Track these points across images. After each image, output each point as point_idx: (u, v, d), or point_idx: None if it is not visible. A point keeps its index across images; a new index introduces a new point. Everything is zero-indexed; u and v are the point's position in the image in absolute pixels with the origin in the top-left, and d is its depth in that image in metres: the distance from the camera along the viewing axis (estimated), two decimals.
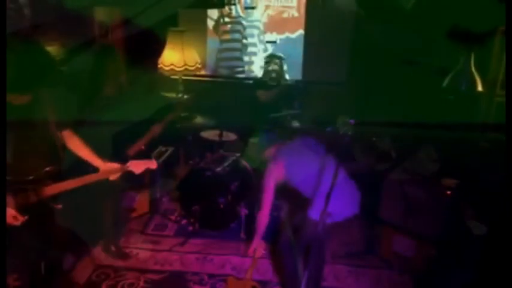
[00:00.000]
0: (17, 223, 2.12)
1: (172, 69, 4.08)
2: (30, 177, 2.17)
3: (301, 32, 5.19)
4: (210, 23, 5.29)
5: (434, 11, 3.83)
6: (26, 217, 2.15)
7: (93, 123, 2.73)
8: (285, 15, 5.20)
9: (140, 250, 3.43)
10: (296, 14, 5.17)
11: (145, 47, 4.47)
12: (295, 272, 2.71)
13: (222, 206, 3.63)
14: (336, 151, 2.66)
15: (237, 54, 5.33)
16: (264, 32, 5.26)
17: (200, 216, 3.67)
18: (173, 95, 4.17)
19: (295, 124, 4.38)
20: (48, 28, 3.36)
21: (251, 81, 5.06)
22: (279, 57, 4.61)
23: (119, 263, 3.23)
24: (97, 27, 4.23)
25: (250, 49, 5.33)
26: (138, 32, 4.33)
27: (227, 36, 5.28)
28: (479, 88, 3.39)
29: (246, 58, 5.35)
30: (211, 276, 3.15)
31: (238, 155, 4.02)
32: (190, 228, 3.70)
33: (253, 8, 5.18)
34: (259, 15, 5.22)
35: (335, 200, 2.20)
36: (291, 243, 2.74)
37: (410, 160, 3.36)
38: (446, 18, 3.60)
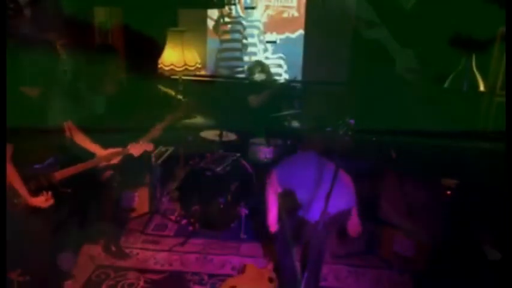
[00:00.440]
0: (49, 203, 2.31)
1: (172, 69, 4.08)
2: (40, 164, 2.35)
3: (301, 32, 5.19)
4: (210, 23, 5.29)
5: (434, 11, 3.83)
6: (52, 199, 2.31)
7: (92, 122, 2.76)
8: (285, 15, 5.20)
9: (140, 250, 3.43)
10: (296, 14, 5.17)
11: (145, 47, 4.47)
12: (294, 273, 2.71)
13: (222, 206, 3.63)
14: (336, 151, 2.65)
15: (237, 54, 5.33)
16: (264, 32, 5.26)
17: (200, 216, 3.67)
18: (173, 95, 4.17)
19: (295, 124, 4.39)
20: (48, 28, 3.36)
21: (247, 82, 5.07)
22: (262, 64, 4.56)
23: (119, 263, 3.22)
24: (97, 28, 4.24)
25: (250, 49, 5.33)
26: (138, 32, 4.33)
27: (227, 36, 5.29)
28: (481, 88, 3.40)
29: (246, 58, 5.35)
30: (211, 276, 3.14)
31: (238, 155, 4.02)
32: (190, 228, 3.70)
33: (253, 8, 5.18)
34: (259, 15, 5.22)
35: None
36: (288, 244, 2.74)
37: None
38: (446, 18, 3.60)
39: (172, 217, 3.93)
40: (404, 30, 4.09)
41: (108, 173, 3.05)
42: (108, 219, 3.27)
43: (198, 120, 4.18)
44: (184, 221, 3.82)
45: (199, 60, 4.24)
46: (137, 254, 3.38)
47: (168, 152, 4.26)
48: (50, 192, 2.33)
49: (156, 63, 4.22)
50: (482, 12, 3.25)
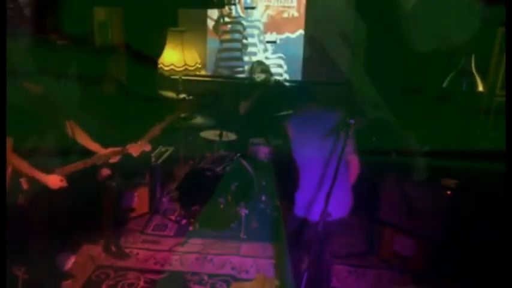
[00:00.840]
0: (64, 185, 2.40)
1: (172, 69, 4.08)
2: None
3: (301, 32, 5.19)
4: (210, 23, 5.29)
5: (435, 11, 3.83)
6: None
7: (92, 121, 2.78)
8: (285, 15, 5.20)
9: (140, 250, 3.43)
10: (296, 14, 5.17)
11: (145, 47, 4.47)
12: (295, 272, 2.70)
13: (222, 206, 3.63)
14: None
15: (237, 54, 5.33)
16: (264, 32, 5.26)
17: (200, 216, 3.67)
18: (173, 95, 4.17)
19: None
20: (48, 28, 3.36)
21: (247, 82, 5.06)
22: (262, 64, 4.54)
23: (119, 263, 3.22)
24: (97, 27, 4.23)
25: (250, 49, 5.33)
26: (138, 32, 4.33)
27: (227, 36, 5.28)
28: (480, 88, 3.40)
29: (246, 58, 5.35)
30: (211, 276, 3.14)
31: (238, 154, 4.02)
32: (190, 228, 3.70)
33: (253, 8, 5.18)
34: (259, 15, 5.22)
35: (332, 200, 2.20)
36: (290, 243, 2.73)
37: None
38: (446, 17, 3.60)
39: (172, 217, 3.93)
40: (405, 30, 4.09)
41: (108, 172, 3.06)
42: (108, 219, 3.27)
43: (198, 120, 4.18)
44: (184, 221, 3.82)
45: (199, 60, 4.24)
46: (137, 254, 3.38)
47: (168, 152, 4.26)
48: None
49: (156, 63, 4.22)
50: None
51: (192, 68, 4.12)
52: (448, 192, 3.10)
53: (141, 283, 3.02)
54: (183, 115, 4.05)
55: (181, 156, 4.47)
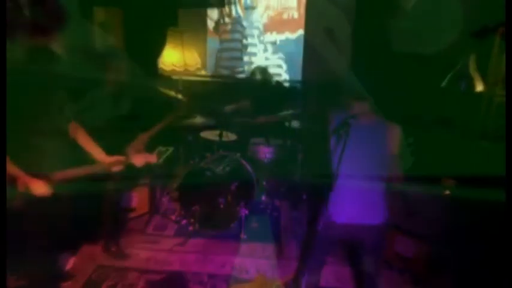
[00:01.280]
0: (47, 192, 2.23)
1: (172, 70, 4.08)
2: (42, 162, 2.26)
3: (301, 32, 5.19)
4: (210, 23, 5.29)
5: (435, 10, 3.83)
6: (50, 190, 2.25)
7: (92, 121, 2.74)
8: (285, 15, 5.20)
9: (140, 250, 3.43)
10: (296, 15, 5.18)
11: (145, 47, 4.47)
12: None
13: (222, 206, 3.63)
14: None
15: (237, 54, 5.33)
16: (264, 33, 5.26)
17: (200, 216, 3.67)
18: (173, 95, 4.17)
19: (295, 124, 4.39)
20: (48, 28, 3.36)
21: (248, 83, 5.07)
22: (263, 71, 4.54)
23: (119, 263, 3.23)
24: (97, 27, 4.23)
25: (250, 49, 5.33)
26: (138, 32, 4.33)
27: (227, 36, 5.29)
28: (480, 88, 3.39)
29: (246, 58, 5.35)
30: (211, 276, 3.15)
31: (238, 154, 4.02)
32: (190, 228, 3.70)
33: (253, 8, 5.18)
34: (259, 16, 5.22)
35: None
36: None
37: None
38: (446, 17, 3.60)
39: (172, 217, 3.93)
40: (405, 30, 4.09)
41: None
42: (108, 219, 3.28)
43: (198, 120, 4.18)
44: (184, 221, 3.82)
45: (199, 60, 4.24)
46: (137, 254, 3.38)
47: (168, 152, 4.26)
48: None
49: (156, 63, 4.22)
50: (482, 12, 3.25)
51: (192, 68, 4.12)
52: (448, 192, 3.10)
53: (141, 283, 3.02)
54: (182, 115, 4.05)
55: (181, 156, 4.47)
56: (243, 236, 3.65)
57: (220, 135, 4.10)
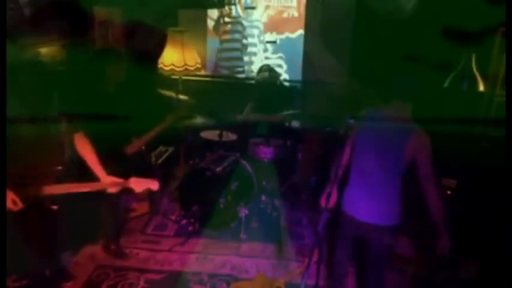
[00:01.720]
0: (16, 208, 2.16)
1: (172, 69, 4.07)
2: (34, 173, 2.21)
3: (301, 32, 5.19)
4: (210, 23, 5.29)
5: (435, 11, 3.83)
6: (23, 205, 2.18)
7: (92, 120, 2.72)
8: (285, 15, 5.20)
9: (140, 250, 3.43)
10: (296, 14, 5.17)
11: (145, 46, 4.47)
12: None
13: (222, 206, 3.63)
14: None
15: (237, 54, 5.33)
16: (264, 32, 5.26)
17: (200, 216, 3.67)
18: (173, 95, 4.17)
19: (295, 124, 4.39)
20: (48, 28, 3.36)
21: (251, 81, 5.06)
22: (271, 69, 4.52)
23: (119, 263, 3.22)
24: (97, 27, 4.23)
25: (250, 49, 5.33)
26: (138, 32, 4.33)
27: (227, 36, 5.28)
28: (481, 88, 3.40)
29: (246, 58, 5.35)
30: (211, 276, 3.14)
31: (238, 154, 4.02)
32: (190, 228, 3.70)
33: (253, 8, 5.18)
34: (259, 15, 5.22)
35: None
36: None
37: None
38: (446, 17, 3.60)
39: (173, 217, 3.93)
40: (405, 30, 4.09)
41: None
42: (108, 218, 3.27)
43: (198, 120, 4.18)
44: (184, 221, 3.82)
45: (199, 60, 4.23)
46: (137, 254, 3.38)
47: (168, 152, 4.26)
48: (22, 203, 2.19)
49: (156, 63, 4.22)
50: (482, 12, 3.25)
51: (192, 68, 4.12)
52: (448, 192, 3.10)
53: (141, 283, 3.02)
54: (182, 115, 4.05)
55: (181, 156, 4.47)
56: (243, 236, 3.64)
57: (220, 135, 4.09)
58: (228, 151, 4.07)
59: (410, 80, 2.34)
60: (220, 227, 3.69)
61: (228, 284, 3.05)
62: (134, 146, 3.24)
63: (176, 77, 4.23)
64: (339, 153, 2.46)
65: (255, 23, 5.24)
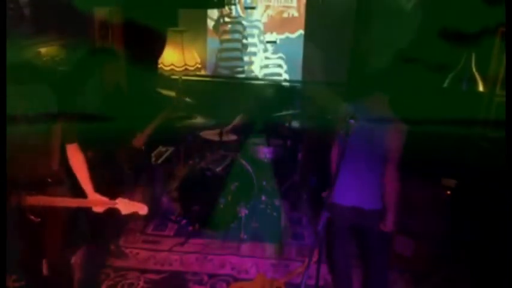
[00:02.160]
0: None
1: (172, 69, 4.07)
2: (19, 182, 2.14)
3: (301, 32, 5.19)
4: (210, 23, 5.29)
5: (435, 11, 3.83)
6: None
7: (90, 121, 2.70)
8: (285, 15, 5.20)
9: (140, 250, 3.43)
10: (296, 14, 5.17)
11: (145, 47, 4.47)
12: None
13: (222, 206, 3.63)
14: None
15: (237, 54, 5.33)
16: (264, 32, 5.26)
17: (200, 216, 3.67)
18: (173, 94, 4.17)
19: (295, 124, 4.39)
20: (48, 28, 3.36)
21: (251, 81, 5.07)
22: None
23: (119, 263, 3.22)
24: (97, 27, 4.23)
25: (250, 49, 5.33)
26: (138, 32, 4.33)
27: (227, 36, 5.28)
28: (480, 88, 3.39)
29: (246, 58, 5.35)
30: (211, 276, 3.15)
31: (238, 154, 4.02)
32: (190, 228, 3.70)
33: (253, 8, 5.18)
34: (259, 15, 5.22)
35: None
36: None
37: None
38: (446, 17, 3.60)
39: (173, 217, 3.93)
40: (405, 30, 4.09)
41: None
42: (108, 218, 3.27)
43: (198, 120, 4.18)
44: (184, 221, 3.82)
45: (199, 60, 4.24)
46: (137, 254, 3.38)
47: (168, 152, 4.26)
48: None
49: (156, 63, 4.22)
50: (482, 12, 3.25)
51: (192, 68, 4.12)
52: (448, 192, 3.10)
53: (141, 283, 3.02)
54: (174, 113, 4.05)
55: (181, 156, 4.47)
56: (243, 236, 3.64)
57: (220, 135, 4.09)
58: (228, 151, 4.07)
59: (386, 72, 2.63)
60: (220, 227, 3.69)
61: (228, 284, 3.06)
62: (139, 140, 3.26)
63: (176, 77, 4.23)
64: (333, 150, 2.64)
65: (255, 23, 5.24)
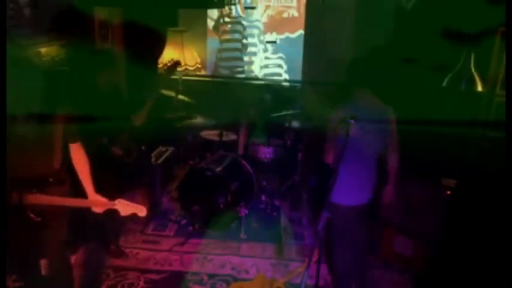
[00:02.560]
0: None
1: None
2: (21, 179, 2.13)
3: (301, 32, 5.19)
4: (210, 23, 5.29)
5: (435, 11, 3.83)
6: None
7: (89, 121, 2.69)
8: (285, 15, 5.20)
9: (140, 250, 3.43)
10: (296, 14, 5.17)
11: (145, 47, 4.47)
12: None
13: (222, 206, 3.63)
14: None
15: (237, 54, 5.33)
16: (264, 32, 5.26)
17: (200, 216, 3.67)
18: (173, 94, 4.17)
19: (295, 124, 4.39)
20: (48, 28, 3.36)
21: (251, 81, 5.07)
22: None
23: (119, 263, 3.22)
24: (97, 27, 4.23)
25: (250, 49, 5.33)
26: (138, 32, 4.33)
27: (227, 36, 5.28)
28: (479, 88, 3.39)
29: (246, 58, 5.35)
30: (211, 276, 3.15)
31: (238, 154, 4.02)
32: (190, 228, 3.70)
33: (253, 8, 5.18)
34: (259, 15, 5.22)
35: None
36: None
37: None
38: (446, 17, 3.60)
39: (173, 217, 3.93)
40: (405, 30, 4.09)
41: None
42: (108, 218, 3.27)
43: (198, 120, 4.18)
44: (184, 221, 3.82)
45: (199, 60, 4.25)
46: (137, 254, 3.38)
47: (168, 152, 4.26)
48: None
49: (156, 63, 4.23)
50: (482, 11, 3.25)
51: (192, 68, 4.13)
52: (448, 192, 3.10)
53: (141, 283, 3.02)
54: (179, 114, 4.06)
55: (181, 156, 4.47)
56: (243, 236, 3.64)
57: (221, 135, 4.10)
58: (228, 151, 4.07)
59: (370, 68, 2.67)
60: (220, 227, 3.69)
61: (228, 284, 3.06)
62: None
63: (176, 77, 4.23)
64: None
65: (255, 23, 5.24)
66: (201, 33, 5.24)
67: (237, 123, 4.34)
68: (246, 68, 5.37)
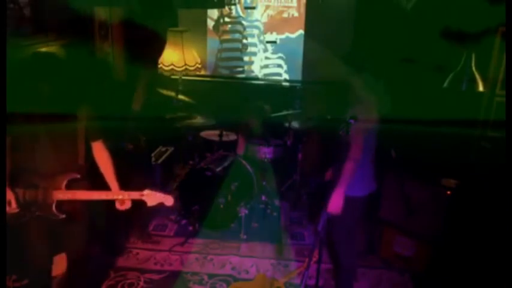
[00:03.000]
0: (8, 209, 2.14)
1: (172, 69, 4.08)
2: (46, 177, 2.19)
3: (301, 32, 5.19)
4: (210, 23, 5.29)
5: (435, 11, 3.83)
6: (19, 210, 2.16)
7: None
8: (285, 15, 5.20)
9: (140, 250, 3.43)
10: (296, 14, 5.17)
11: (145, 47, 4.47)
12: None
13: (222, 206, 3.63)
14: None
15: (237, 54, 5.33)
16: (264, 32, 5.26)
17: (200, 216, 3.67)
18: (173, 94, 4.17)
19: (295, 124, 4.39)
20: (48, 28, 3.36)
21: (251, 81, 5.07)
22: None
23: (119, 263, 3.22)
24: (97, 27, 4.23)
25: (250, 49, 5.32)
26: (138, 32, 4.33)
27: (227, 36, 5.28)
28: (480, 88, 3.40)
29: (246, 58, 5.35)
30: (211, 276, 3.14)
31: (238, 154, 4.02)
32: (190, 228, 3.70)
33: (253, 8, 5.17)
34: (259, 15, 5.22)
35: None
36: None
37: None
38: (447, 17, 3.60)
39: (173, 217, 3.93)
40: (405, 30, 4.09)
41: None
42: (108, 218, 3.27)
43: (198, 120, 4.18)
44: (184, 221, 3.82)
45: (199, 60, 4.24)
46: (137, 254, 3.38)
47: (168, 152, 4.26)
48: (17, 208, 2.17)
49: (156, 63, 4.22)
50: (482, 11, 3.25)
51: (192, 68, 4.12)
52: (448, 192, 3.10)
53: (141, 283, 3.02)
54: (179, 114, 4.05)
55: (181, 156, 4.46)
56: (243, 236, 3.64)
57: (221, 135, 4.09)
58: (228, 151, 4.07)
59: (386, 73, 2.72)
60: (220, 227, 3.69)
61: (228, 284, 3.06)
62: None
63: (176, 77, 4.23)
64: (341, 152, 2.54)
65: (255, 23, 5.24)
66: (201, 33, 5.23)
67: (237, 124, 4.34)
68: (246, 68, 5.37)
